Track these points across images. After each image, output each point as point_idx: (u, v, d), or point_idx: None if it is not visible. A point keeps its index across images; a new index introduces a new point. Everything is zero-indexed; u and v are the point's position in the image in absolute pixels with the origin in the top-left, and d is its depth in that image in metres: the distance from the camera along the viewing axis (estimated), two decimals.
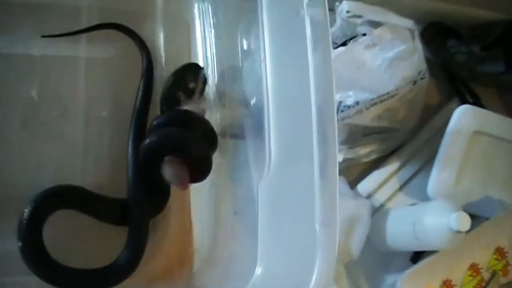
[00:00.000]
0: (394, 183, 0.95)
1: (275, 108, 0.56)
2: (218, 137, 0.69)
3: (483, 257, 0.90)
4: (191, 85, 0.69)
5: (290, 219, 0.54)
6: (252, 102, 0.67)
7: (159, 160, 0.63)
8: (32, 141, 0.63)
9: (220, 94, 0.72)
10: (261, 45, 0.57)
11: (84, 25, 0.71)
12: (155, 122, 0.66)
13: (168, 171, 0.63)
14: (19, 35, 0.69)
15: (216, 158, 0.70)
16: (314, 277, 0.49)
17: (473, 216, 0.79)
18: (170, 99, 0.69)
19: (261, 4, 0.57)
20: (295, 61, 0.55)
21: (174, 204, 0.70)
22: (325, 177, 0.50)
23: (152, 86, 0.71)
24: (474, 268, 0.89)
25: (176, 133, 0.65)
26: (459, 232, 0.77)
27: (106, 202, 0.65)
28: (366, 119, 0.86)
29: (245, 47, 0.69)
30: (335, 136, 0.51)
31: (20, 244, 0.59)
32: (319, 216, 0.50)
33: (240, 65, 0.70)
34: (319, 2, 0.51)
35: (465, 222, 0.77)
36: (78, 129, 0.69)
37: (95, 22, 0.72)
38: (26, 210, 0.60)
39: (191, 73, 0.70)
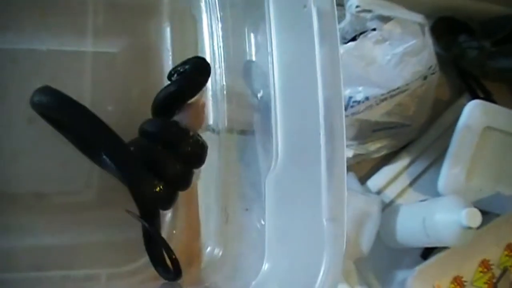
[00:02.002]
0: (404, 179, 0.95)
1: (282, 102, 0.55)
2: (226, 133, 0.68)
3: (494, 253, 0.90)
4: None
5: (297, 213, 0.54)
6: (259, 95, 0.66)
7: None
8: (38, 137, 0.63)
9: (228, 89, 0.72)
10: (268, 38, 0.56)
11: (90, 19, 0.71)
12: (145, 127, 0.65)
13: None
14: (25, 30, 0.69)
15: (223, 155, 0.70)
16: (321, 271, 0.48)
17: (484, 213, 0.78)
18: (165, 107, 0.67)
19: None
20: (302, 54, 0.54)
21: (181, 202, 0.70)
22: (332, 170, 0.49)
23: None
24: (485, 265, 0.89)
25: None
26: (469, 228, 0.76)
27: None
28: (376, 114, 0.86)
29: (252, 41, 0.69)
30: (343, 129, 0.50)
31: None
32: (326, 211, 0.50)
33: (248, 59, 0.70)
34: None
35: (475, 218, 0.76)
36: None
37: (101, 16, 0.71)
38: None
39: (198, 76, 0.67)
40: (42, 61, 0.68)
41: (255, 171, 0.69)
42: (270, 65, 0.56)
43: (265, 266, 0.54)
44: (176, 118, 0.67)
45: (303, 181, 0.54)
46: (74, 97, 0.62)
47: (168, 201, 0.66)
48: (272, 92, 0.56)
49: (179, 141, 0.65)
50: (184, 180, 0.67)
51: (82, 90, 0.70)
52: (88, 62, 0.70)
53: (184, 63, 0.67)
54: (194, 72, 0.67)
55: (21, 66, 0.67)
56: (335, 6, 0.52)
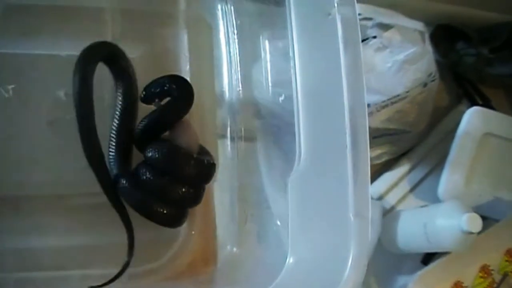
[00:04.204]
0: (405, 185, 0.96)
1: (305, 105, 0.57)
2: (244, 141, 0.70)
3: (494, 259, 0.90)
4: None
5: (321, 210, 0.56)
6: (281, 98, 0.67)
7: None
8: (58, 140, 0.64)
9: (244, 97, 0.73)
10: (290, 44, 0.57)
11: (109, 26, 0.72)
12: (149, 155, 0.66)
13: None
14: (45, 36, 0.70)
15: (241, 160, 0.72)
16: (349, 265, 0.50)
17: (483, 218, 0.79)
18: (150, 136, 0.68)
19: (289, 6, 0.58)
20: (325, 59, 0.56)
21: (199, 205, 0.70)
22: (358, 169, 0.52)
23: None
24: (485, 270, 0.89)
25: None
26: (470, 233, 0.77)
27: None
28: (377, 121, 0.87)
29: (267, 48, 0.70)
30: (367, 130, 0.52)
31: None
32: (352, 207, 0.51)
33: (263, 66, 0.70)
34: (349, 1, 0.53)
35: (476, 223, 0.77)
36: (103, 126, 0.69)
37: (118, 23, 0.73)
38: None
39: (184, 105, 0.68)
40: (62, 66, 0.69)
41: (258, 178, 0.70)
42: (292, 70, 0.57)
43: (290, 261, 0.55)
44: (168, 137, 0.68)
45: (327, 180, 0.55)
46: (94, 101, 0.63)
47: (177, 220, 0.68)
48: (295, 96, 0.57)
49: (182, 166, 0.66)
50: (192, 199, 0.68)
51: (102, 94, 0.71)
52: (107, 67, 0.71)
53: (161, 83, 0.68)
54: (180, 100, 0.68)
55: (41, 71, 0.68)
56: (357, 15, 0.53)
